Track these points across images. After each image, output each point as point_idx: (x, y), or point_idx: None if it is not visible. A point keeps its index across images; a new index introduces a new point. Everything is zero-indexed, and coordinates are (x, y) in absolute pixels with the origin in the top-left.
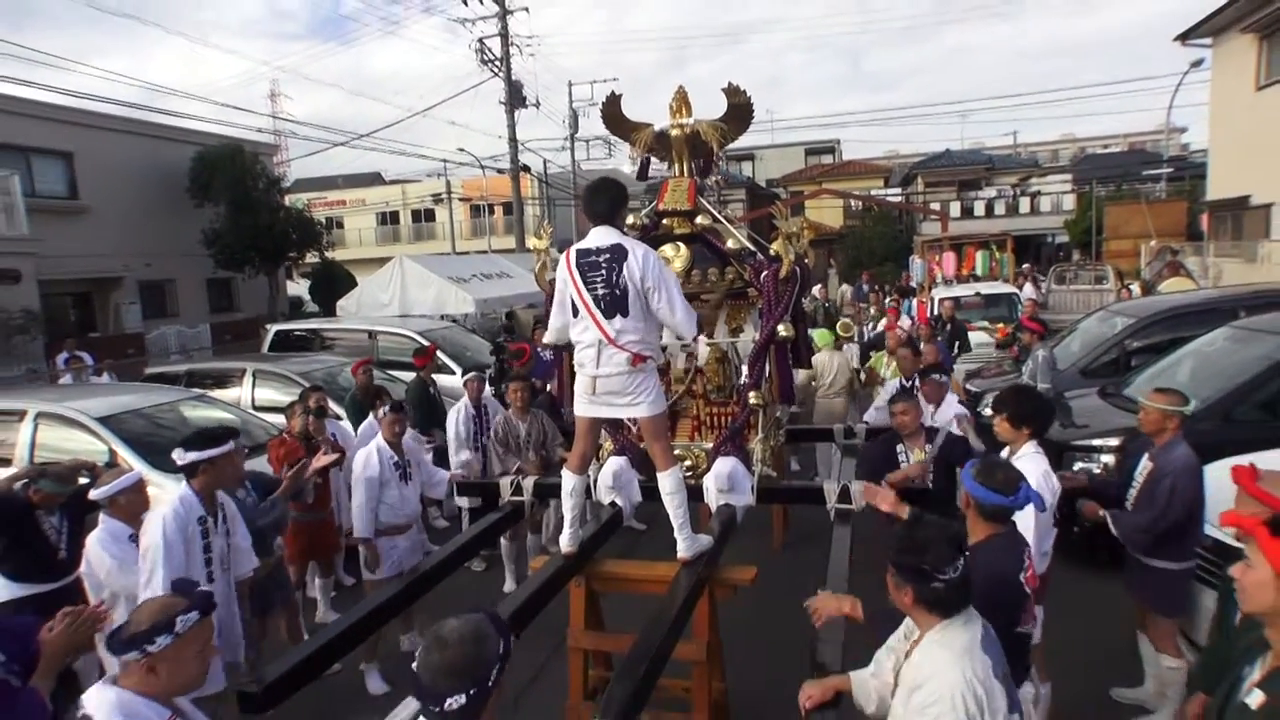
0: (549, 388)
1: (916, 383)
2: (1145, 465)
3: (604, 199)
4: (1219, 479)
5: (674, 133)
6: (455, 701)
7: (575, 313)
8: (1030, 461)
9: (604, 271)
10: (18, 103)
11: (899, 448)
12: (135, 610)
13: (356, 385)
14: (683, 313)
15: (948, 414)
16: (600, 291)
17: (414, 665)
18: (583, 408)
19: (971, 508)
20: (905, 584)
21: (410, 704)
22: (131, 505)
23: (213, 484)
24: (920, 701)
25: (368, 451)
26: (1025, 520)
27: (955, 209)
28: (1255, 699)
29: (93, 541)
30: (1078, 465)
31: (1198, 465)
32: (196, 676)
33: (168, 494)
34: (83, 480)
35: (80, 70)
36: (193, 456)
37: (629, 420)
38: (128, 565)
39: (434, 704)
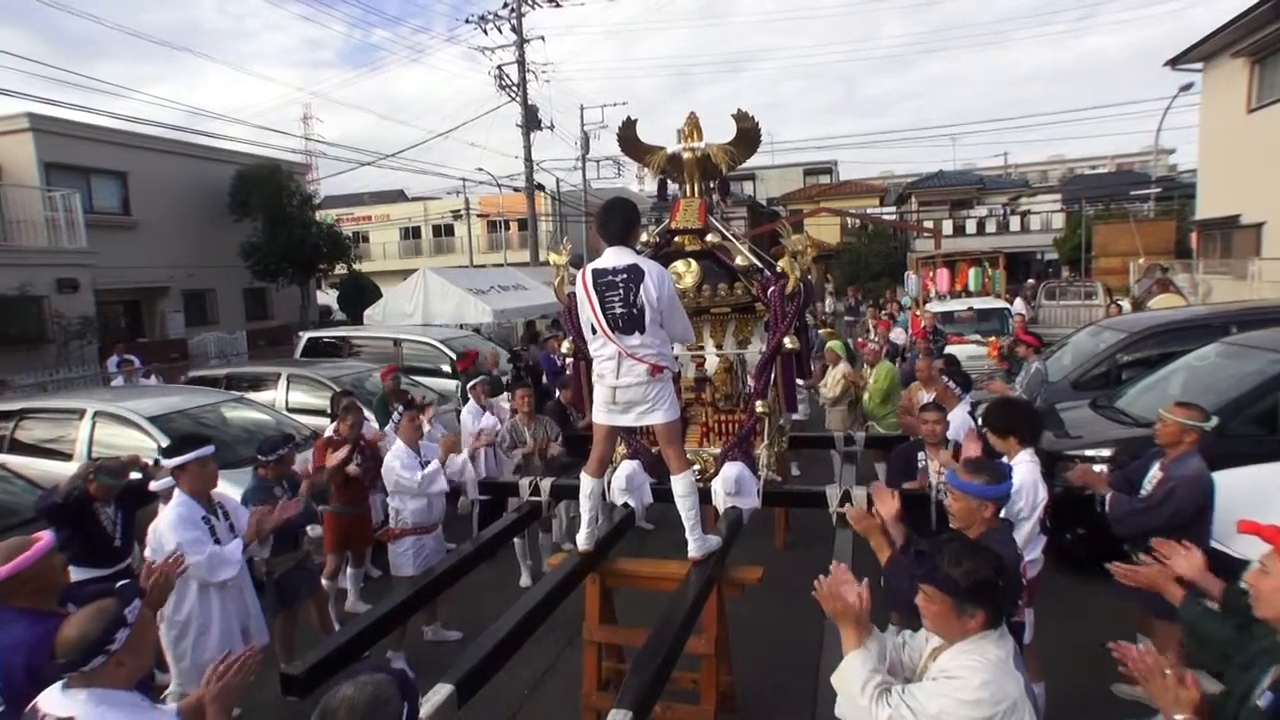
0: (558, 395)
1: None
2: (1155, 474)
3: (618, 219)
4: (1228, 488)
5: (686, 155)
6: None
7: (594, 331)
8: (1023, 469)
9: (621, 291)
10: (80, 127)
11: (920, 455)
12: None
13: (385, 389)
14: (683, 328)
15: (958, 416)
16: (618, 310)
17: None
18: (602, 416)
19: (977, 509)
20: (978, 608)
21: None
22: (199, 478)
23: (197, 485)
24: (948, 681)
25: (389, 463)
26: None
27: (948, 227)
28: (1266, 701)
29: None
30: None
31: (1207, 479)
32: (148, 660)
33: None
34: (135, 476)
35: (134, 97)
36: (167, 463)
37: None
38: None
39: None
